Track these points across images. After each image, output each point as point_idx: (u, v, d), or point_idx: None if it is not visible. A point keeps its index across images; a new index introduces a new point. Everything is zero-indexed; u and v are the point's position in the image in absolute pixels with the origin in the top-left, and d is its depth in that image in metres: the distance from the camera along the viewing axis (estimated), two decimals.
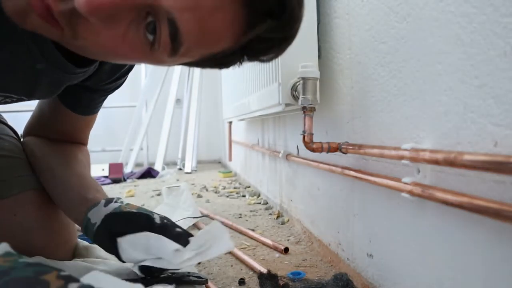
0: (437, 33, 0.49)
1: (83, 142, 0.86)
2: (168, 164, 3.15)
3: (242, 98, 1.45)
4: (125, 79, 0.78)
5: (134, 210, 0.69)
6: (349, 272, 0.76)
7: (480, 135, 0.42)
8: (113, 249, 0.66)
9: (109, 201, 0.69)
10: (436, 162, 0.46)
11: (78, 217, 0.70)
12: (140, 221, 0.68)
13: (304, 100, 0.76)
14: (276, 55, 0.49)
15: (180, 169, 3.06)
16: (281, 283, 0.71)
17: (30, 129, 0.82)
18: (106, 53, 0.42)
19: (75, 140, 0.84)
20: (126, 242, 0.64)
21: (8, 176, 0.73)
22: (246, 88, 1.35)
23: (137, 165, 3.12)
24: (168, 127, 3.09)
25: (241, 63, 0.50)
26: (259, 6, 0.41)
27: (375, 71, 0.65)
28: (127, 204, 0.70)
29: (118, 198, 0.71)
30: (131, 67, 0.75)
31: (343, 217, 0.81)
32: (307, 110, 0.77)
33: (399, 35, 0.57)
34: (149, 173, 2.66)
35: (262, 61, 0.49)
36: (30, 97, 0.60)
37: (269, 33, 0.44)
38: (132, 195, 1.89)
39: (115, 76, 0.73)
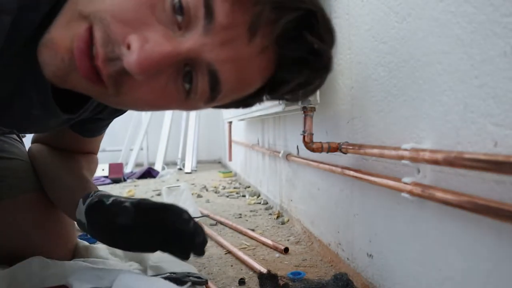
0: (437, 33, 0.49)
1: (92, 152, 0.84)
2: (168, 164, 3.15)
3: None
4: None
5: (108, 196, 0.64)
6: (349, 272, 0.76)
7: (480, 135, 0.42)
8: (111, 242, 0.63)
9: (85, 197, 0.64)
10: (436, 162, 0.46)
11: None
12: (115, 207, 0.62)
13: (304, 100, 0.76)
14: (303, 97, 0.50)
15: (180, 169, 3.06)
16: (281, 283, 0.71)
17: (38, 138, 0.81)
18: (142, 105, 0.43)
19: (82, 152, 0.82)
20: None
21: (8, 177, 0.73)
22: None
23: (137, 165, 3.12)
24: (168, 127, 3.09)
25: (262, 101, 0.51)
26: (292, 52, 0.42)
27: (375, 71, 0.65)
28: (104, 194, 0.65)
29: (96, 192, 0.65)
30: None
31: (343, 217, 0.81)
32: (307, 110, 0.77)
33: (399, 35, 0.57)
34: (149, 173, 2.66)
35: (287, 99, 0.51)
36: (19, 133, 0.60)
37: (297, 77, 0.45)
38: (132, 195, 1.89)
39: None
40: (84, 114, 0.62)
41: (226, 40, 0.39)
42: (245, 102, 0.51)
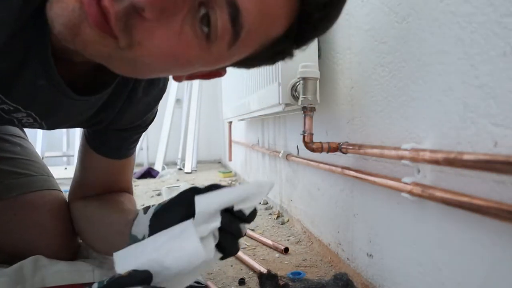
0: (437, 33, 0.49)
1: (126, 189, 0.79)
2: (168, 164, 3.15)
3: (242, 98, 1.45)
4: (156, 111, 0.74)
5: (172, 196, 0.58)
6: (349, 272, 0.76)
7: (480, 135, 0.42)
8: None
9: (146, 208, 0.59)
10: (436, 162, 0.46)
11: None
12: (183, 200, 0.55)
13: (304, 100, 0.76)
14: (319, 35, 0.46)
15: (180, 169, 3.06)
16: (281, 283, 0.71)
17: (73, 194, 0.78)
18: (161, 57, 0.40)
19: (117, 189, 0.77)
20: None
21: (6, 178, 0.73)
22: (246, 88, 1.35)
23: (137, 165, 3.11)
24: (168, 127, 3.09)
25: (291, 54, 0.48)
26: None
27: (375, 71, 0.65)
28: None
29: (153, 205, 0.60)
30: (161, 95, 0.71)
31: (343, 217, 0.81)
32: (307, 110, 0.77)
33: (399, 35, 0.57)
34: (149, 173, 2.66)
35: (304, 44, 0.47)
36: (26, 109, 0.57)
37: (317, 11, 0.41)
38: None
39: (148, 111, 0.70)
40: (103, 116, 0.62)
41: None
42: (273, 52, 0.46)
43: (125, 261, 0.46)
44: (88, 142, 0.72)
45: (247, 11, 0.37)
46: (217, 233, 0.49)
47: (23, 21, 0.43)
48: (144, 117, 0.71)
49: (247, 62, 0.47)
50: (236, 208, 0.49)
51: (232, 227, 0.49)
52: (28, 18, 0.43)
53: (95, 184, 0.75)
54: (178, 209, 0.52)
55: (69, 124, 0.66)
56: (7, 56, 0.46)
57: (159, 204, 0.57)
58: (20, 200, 0.72)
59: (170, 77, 0.53)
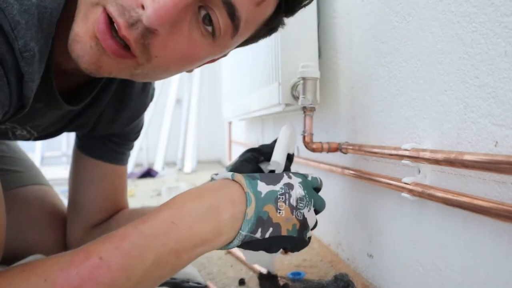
0: (437, 33, 0.49)
1: (123, 206, 0.78)
2: (168, 164, 3.15)
3: (242, 98, 1.45)
4: (143, 120, 0.76)
5: (237, 158, 0.63)
6: (349, 272, 0.76)
7: (481, 135, 0.42)
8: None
9: (213, 177, 0.58)
10: (436, 162, 0.46)
11: None
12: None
13: (304, 100, 0.76)
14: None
15: (180, 169, 3.06)
16: (281, 283, 0.71)
17: (71, 233, 0.75)
18: (177, 61, 0.45)
19: (114, 208, 0.76)
20: None
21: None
22: (246, 88, 1.35)
23: (137, 165, 3.11)
24: (168, 127, 3.08)
25: (283, 23, 0.53)
26: None
27: (375, 71, 0.65)
28: None
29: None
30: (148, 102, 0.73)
31: (343, 217, 0.81)
32: (307, 110, 0.77)
33: (399, 35, 0.57)
34: (148, 173, 2.66)
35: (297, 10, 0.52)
36: (21, 125, 0.59)
37: None
38: (132, 195, 1.89)
39: (137, 117, 0.71)
40: (87, 116, 0.62)
41: None
42: (269, 29, 0.52)
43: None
44: (81, 149, 0.72)
45: (241, 5, 0.43)
46: None
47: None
48: (132, 123, 0.72)
49: (246, 42, 0.53)
50: (290, 152, 0.63)
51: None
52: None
53: (94, 202, 0.73)
54: (248, 166, 0.59)
55: (55, 127, 0.66)
56: None
57: (228, 167, 0.61)
58: (12, 195, 0.72)
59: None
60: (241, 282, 0.77)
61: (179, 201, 0.47)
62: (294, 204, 0.50)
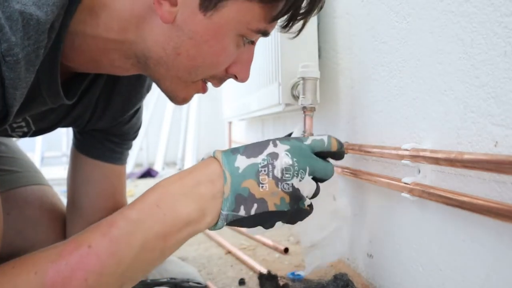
0: (437, 33, 0.49)
1: (122, 206, 0.75)
2: (168, 164, 3.15)
3: (242, 98, 1.45)
4: (141, 117, 0.76)
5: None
6: (349, 272, 0.75)
7: (481, 135, 0.42)
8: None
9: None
10: (436, 162, 0.46)
11: None
12: None
13: (304, 100, 0.76)
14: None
15: (180, 169, 3.06)
16: (281, 283, 0.71)
17: (71, 232, 0.73)
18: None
19: (113, 207, 0.73)
20: None
21: None
22: (246, 88, 1.35)
23: (137, 165, 3.11)
24: (168, 127, 3.08)
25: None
26: None
27: (375, 71, 0.65)
28: None
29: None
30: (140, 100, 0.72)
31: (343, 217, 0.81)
32: (307, 110, 0.77)
33: (399, 35, 0.57)
34: (149, 173, 2.66)
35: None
36: (20, 117, 0.59)
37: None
38: (132, 195, 1.89)
39: (130, 108, 0.70)
40: (82, 107, 0.62)
41: None
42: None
43: None
44: (80, 149, 0.71)
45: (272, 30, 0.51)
46: None
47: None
48: (126, 113, 0.71)
49: None
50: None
51: None
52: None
53: (93, 202, 0.72)
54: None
55: (53, 120, 0.65)
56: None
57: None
58: (11, 196, 0.72)
59: None
60: (241, 282, 0.77)
61: (163, 185, 0.46)
62: (279, 175, 0.46)
